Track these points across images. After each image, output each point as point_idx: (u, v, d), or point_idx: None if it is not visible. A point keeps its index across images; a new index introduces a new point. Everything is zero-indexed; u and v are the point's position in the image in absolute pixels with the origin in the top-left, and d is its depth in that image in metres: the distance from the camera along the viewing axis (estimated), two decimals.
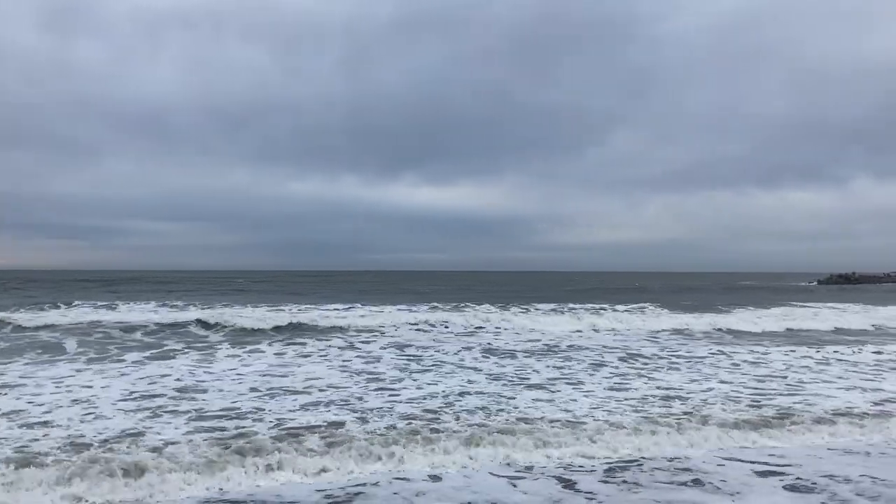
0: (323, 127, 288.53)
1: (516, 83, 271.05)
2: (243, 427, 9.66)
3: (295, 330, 23.12)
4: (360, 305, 35.33)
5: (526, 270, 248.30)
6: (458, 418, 10.31)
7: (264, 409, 10.84)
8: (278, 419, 10.15)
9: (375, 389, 12.67)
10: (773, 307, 37.05)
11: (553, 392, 12.64)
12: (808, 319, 29.51)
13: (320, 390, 12.53)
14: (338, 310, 32.01)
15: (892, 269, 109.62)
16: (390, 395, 12.10)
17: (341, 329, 23.46)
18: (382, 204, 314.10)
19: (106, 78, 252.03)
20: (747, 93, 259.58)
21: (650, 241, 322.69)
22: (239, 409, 10.91)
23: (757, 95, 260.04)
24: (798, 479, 7.44)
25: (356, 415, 10.49)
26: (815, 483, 7.28)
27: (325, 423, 9.88)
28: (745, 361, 17.05)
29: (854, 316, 31.16)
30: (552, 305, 35.94)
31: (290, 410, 10.81)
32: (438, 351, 18.48)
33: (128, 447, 8.44)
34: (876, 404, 11.69)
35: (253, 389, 12.57)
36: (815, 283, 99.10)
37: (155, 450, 8.31)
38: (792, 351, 19.11)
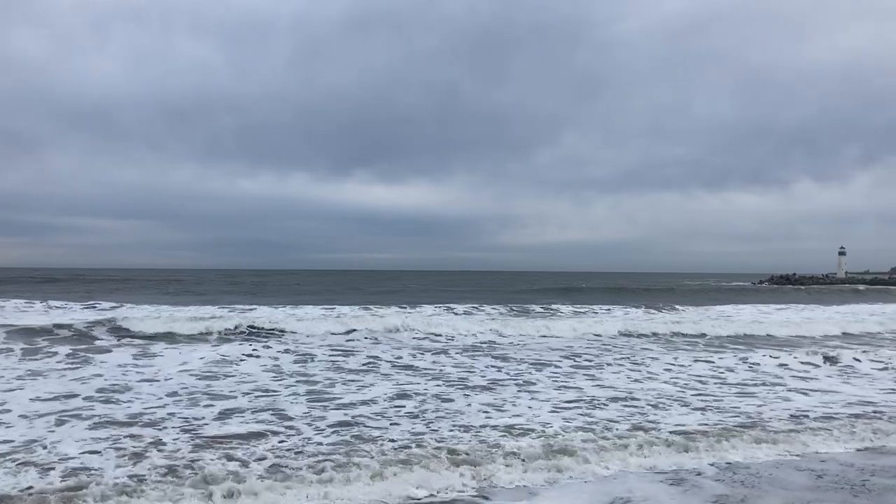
0: (273, 124, 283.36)
1: (467, 83, 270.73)
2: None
3: (217, 332, 21.83)
4: (293, 306, 34.07)
5: (479, 270, 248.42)
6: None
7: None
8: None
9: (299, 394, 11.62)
10: (702, 306, 36.98)
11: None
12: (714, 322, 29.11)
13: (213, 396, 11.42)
14: (271, 308, 30.79)
15: (831, 270, 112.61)
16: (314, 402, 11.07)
17: (256, 329, 22.32)
18: (334, 202, 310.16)
19: (48, 71, 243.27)
20: (694, 96, 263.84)
21: (598, 241, 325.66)
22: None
23: (703, 99, 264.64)
24: None
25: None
26: None
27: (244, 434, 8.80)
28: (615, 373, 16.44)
29: (780, 314, 31.22)
30: (469, 305, 35.26)
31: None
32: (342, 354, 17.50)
33: None
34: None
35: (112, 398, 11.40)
36: (757, 283, 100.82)
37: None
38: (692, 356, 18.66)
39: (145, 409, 10.75)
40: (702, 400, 12.25)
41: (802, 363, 16.77)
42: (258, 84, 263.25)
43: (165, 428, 9.44)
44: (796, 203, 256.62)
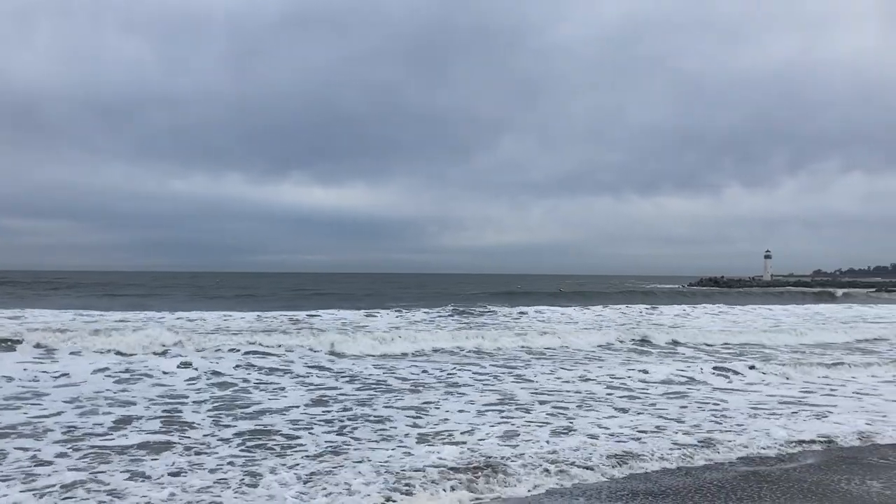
0: (207, 123, 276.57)
1: (407, 85, 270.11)
2: None
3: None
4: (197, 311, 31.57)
5: (418, 273, 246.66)
6: None
7: None
8: None
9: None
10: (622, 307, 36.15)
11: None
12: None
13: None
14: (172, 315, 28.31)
15: (758, 273, 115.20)
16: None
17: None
18: (270, 204, 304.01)
19: None
20: (629, 102, 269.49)
21: (535, 244, 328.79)
22: None
23: (638, 105, 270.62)
24: None
25: None
26: None
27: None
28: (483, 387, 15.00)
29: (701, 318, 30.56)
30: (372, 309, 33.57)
31: None
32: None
33: None
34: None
35: None
36: (686, 286, 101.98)
37: None
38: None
39: None
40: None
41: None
42: (192, 82, 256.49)
43: None
44: (726, 207, 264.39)
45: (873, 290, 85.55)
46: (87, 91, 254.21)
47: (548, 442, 8.89)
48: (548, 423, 9.97)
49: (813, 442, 9.01)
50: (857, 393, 12.98)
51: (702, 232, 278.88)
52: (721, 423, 10.12)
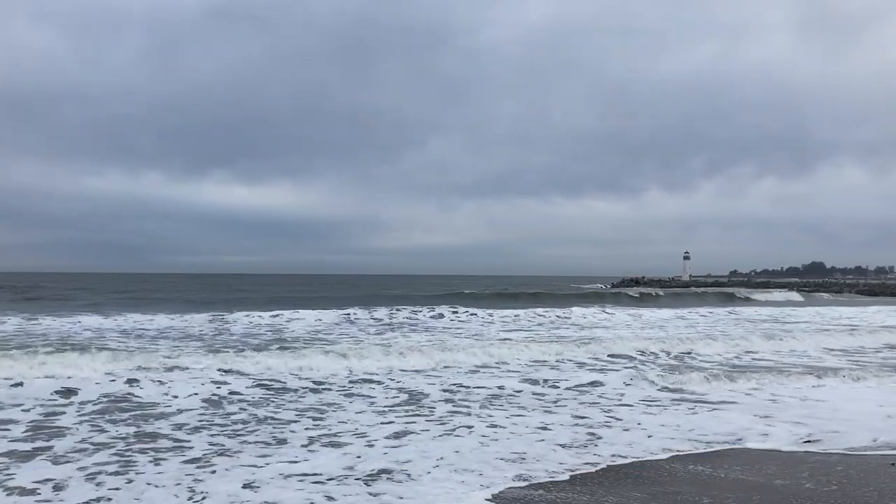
0: (123, 119, 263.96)
1: (333, 84, 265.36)
2: None
3: None
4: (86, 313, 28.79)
5: (344, 274, 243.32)
6: None
7: None
8: None
9: None
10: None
11: None
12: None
13: None
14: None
15: (677, 273, 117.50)
16: None
17: None
18: (191, 203, 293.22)
19: None
20: (554, 105, 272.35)
21: (462, 245, 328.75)
22: None
23: (563, 108, 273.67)
24: None
25: None
26: None
27: None
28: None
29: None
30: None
31: None
32: None
33: None
34: None
35: None
36: (608, 286, 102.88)
37: None
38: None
39: None
40: None
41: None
42: (108, 76, 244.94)
43: None
44: (647, 210, 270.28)
45: (786, 289, 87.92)
46: None
47: None
48: None
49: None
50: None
51: (624, 233, 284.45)
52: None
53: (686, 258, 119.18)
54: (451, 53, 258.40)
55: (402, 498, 6.70)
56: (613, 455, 8.38)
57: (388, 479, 7.36)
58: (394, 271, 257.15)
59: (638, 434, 9.52)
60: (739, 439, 9.25)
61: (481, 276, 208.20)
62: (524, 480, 7.29)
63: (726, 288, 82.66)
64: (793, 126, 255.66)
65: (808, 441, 8.96)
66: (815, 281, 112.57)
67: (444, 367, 15.83)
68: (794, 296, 69.76)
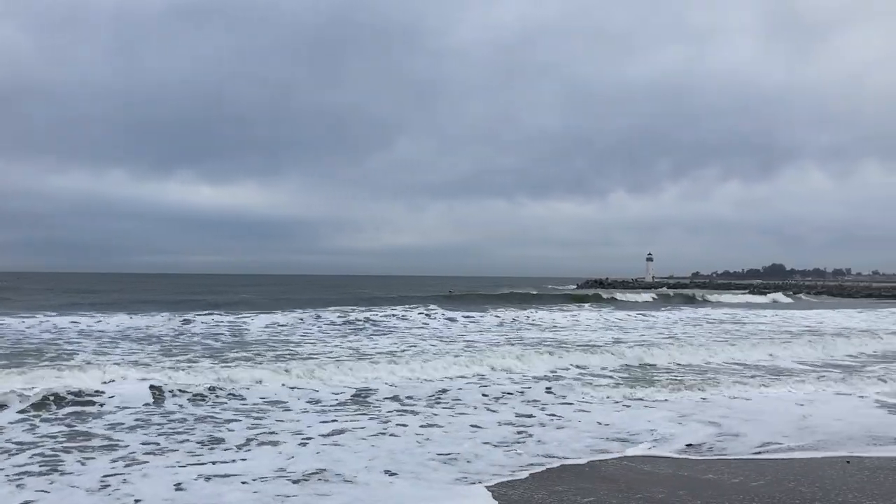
0: (88, 117, 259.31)
1: (302, 83, 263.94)
2: None
3: None
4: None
5: (312, 274, 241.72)
6: None
7: None
8: None
9: None
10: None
11: None
12: None
13: None
14: None
15: (641, 275, 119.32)
16: None
17: None
18: (156, 202, 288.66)
19: None
20: (523, 106, 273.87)
21: (430, 246, 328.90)
22: None
23: (531, 110, 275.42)
24: None
25: None
26: None
27: None
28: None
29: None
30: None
31: None
32: None
33: None
34: None
35: None
36: (574, 286, 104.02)
37: None
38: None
39: None
40: None
41: None
42: (73, 72, 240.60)
43: None
44: (613, 212, 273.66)
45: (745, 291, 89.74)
46: None
47: None
48: None
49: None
50: None
51: (590, 235, 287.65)
52: None
53: (649, 260, 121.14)
54: (421, 54, 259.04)
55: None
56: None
57: None
58: (362, 272, 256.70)
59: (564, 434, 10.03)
60: (635, 434, 9.90)
61: (450, 276, 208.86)
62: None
63: (685, 290, 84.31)
64: (757, 130, 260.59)
65: (691, 445, 9.43)
66: (775, 283, 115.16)
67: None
68: (753, 298, 71.35)
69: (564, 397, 13.07)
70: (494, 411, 11.76)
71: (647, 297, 64.77)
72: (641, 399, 12.90)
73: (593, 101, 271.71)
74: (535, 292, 66.28)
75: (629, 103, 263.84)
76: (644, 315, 37.11)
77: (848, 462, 8.39)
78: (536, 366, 17.03)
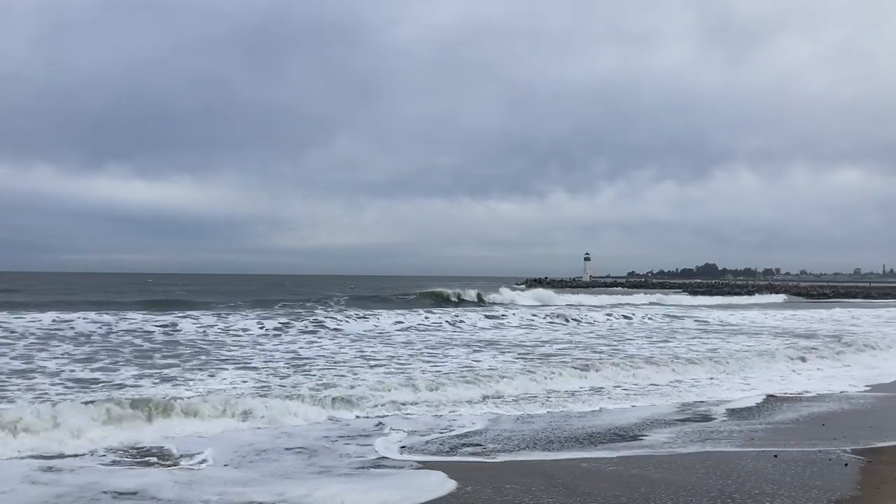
0: (10, 108, 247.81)
1: (237, 78, 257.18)
2: None
3: None
4: None
5: (247, 274, 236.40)
6: None
7: None
8: None
9: None
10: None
11: None
12: None
13: None
14: None
15: (578, 274, 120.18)
16: None
17: None
18: (84, 198, 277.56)
19: None
20: (462, 106, 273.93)
21: (369, 245, 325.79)
22: None
23: (470, 109, 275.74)
24: None
25: None
26: None
27: None
28: None
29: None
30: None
31: None
32: None
33: None
34: None
35: None
36: (513, 286, 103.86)
37: None
38: None
39: None
40: None
41: None
42: None
43: None
44: (551, 212, 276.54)
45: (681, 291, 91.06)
46: None
47: None
48: None
49: None
50: None
51: (528, 235, 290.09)
52: None
53: (587, 259, 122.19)
54: (361, 51, 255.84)
55: None
56: None
57: None
58: (297, 271, 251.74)
59: None
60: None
61: (388, 276, 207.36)
62: None
63: (614, 289, 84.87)
64: (692, 133, 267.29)
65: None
66: (708, 282, 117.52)
67: None
68: (685, 298, 72.07)
69: None
70: None
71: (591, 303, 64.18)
72: None
73: (532, 102, 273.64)
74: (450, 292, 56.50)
75: (568, 104, 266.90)
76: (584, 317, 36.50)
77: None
78: None
